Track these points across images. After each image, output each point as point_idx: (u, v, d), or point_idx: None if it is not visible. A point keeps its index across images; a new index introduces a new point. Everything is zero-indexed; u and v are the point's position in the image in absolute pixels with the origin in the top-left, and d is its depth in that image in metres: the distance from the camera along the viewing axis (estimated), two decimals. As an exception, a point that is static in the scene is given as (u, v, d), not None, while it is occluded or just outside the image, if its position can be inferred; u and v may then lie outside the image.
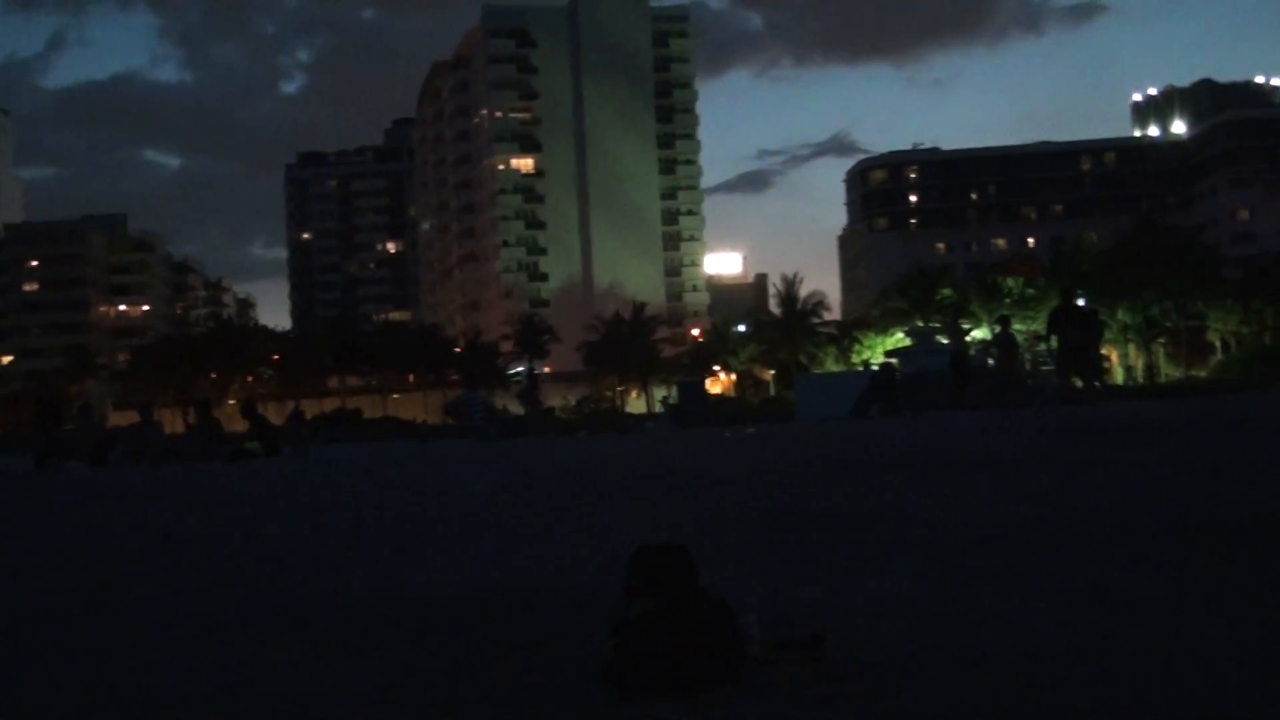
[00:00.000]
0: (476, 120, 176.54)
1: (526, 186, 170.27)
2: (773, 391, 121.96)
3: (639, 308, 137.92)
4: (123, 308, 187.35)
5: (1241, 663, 5.00)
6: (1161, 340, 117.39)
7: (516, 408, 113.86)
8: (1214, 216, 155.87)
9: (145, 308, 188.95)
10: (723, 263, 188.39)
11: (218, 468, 19.31)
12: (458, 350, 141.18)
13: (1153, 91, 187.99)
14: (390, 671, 5.66)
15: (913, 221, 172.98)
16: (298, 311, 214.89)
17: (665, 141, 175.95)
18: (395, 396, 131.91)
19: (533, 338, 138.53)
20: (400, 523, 10.17)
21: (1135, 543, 7.62)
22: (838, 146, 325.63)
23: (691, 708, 4.70)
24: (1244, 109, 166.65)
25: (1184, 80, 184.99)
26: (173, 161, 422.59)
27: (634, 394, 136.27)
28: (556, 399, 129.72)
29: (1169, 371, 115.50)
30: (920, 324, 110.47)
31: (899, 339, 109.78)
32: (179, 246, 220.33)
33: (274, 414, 62.31)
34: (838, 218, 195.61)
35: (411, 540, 9.26)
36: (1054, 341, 27.99)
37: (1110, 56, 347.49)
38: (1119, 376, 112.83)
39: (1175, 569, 6.93)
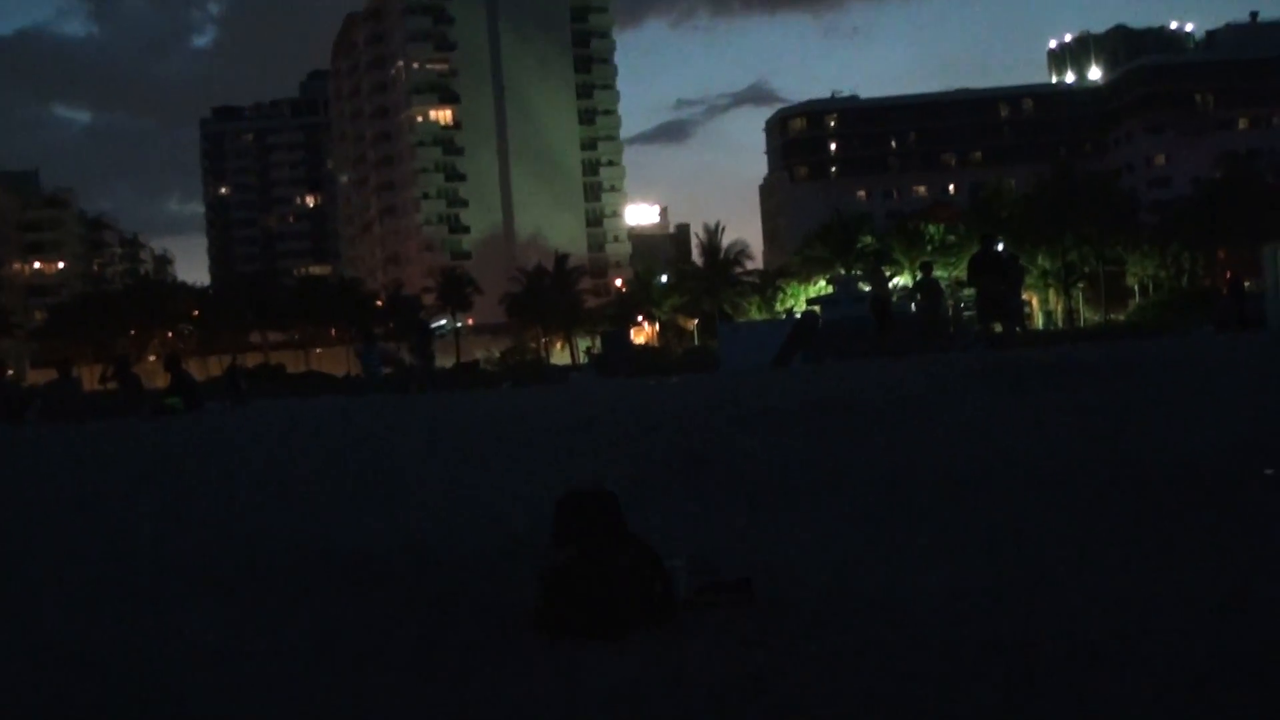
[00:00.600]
0: (393, 72, 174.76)
1: (445, 138, 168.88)
2: (696, 341, 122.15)
3: (561, 259, 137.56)
4: (37, 265, 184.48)
5: (1155, 598, 5.11)
6: (1081, 285, 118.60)
7: (439, 360, 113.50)
8: (1130, 162, 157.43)
9: (60, 265, 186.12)
10: (644, 213, 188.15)
11: (138, 424, 19.13)
12: (379, 304, 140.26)
13: (1068, 38, 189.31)
14: (321, 626, 5.66)
15: (833, 170, 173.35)
16: (216, 267, 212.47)
17: (584, 92, 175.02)
18: (318, 351, 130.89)
19: (455, 290, 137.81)
20: (325, 477, 10.14)
21: (1054, 485, 7.74)
22: (756, 96, 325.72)
23: (620, 651, 4.75)
24: (1158, 55, 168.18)
25: (1099, 27, 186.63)
26: (83, 117, 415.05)
27: (558, 345, 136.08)
28: (480, 351, 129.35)
29: (1089, 316, 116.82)
30: (842, 272, 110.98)
31: (821, 287, 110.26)
32: (93, 203, 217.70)
33: (195, 370, 61.60)
34: (758, 167, 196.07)
35: (337, 495, 9.24)
36: (974, 288, 28.24)
37: (1026, 4, 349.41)
38: (1039, 321, 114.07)
39: (1093, 510, 7.05)
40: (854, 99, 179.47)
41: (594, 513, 5.32)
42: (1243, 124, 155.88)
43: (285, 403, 28.63)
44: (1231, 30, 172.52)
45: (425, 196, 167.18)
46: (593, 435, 11.67)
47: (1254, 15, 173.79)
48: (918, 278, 34.85)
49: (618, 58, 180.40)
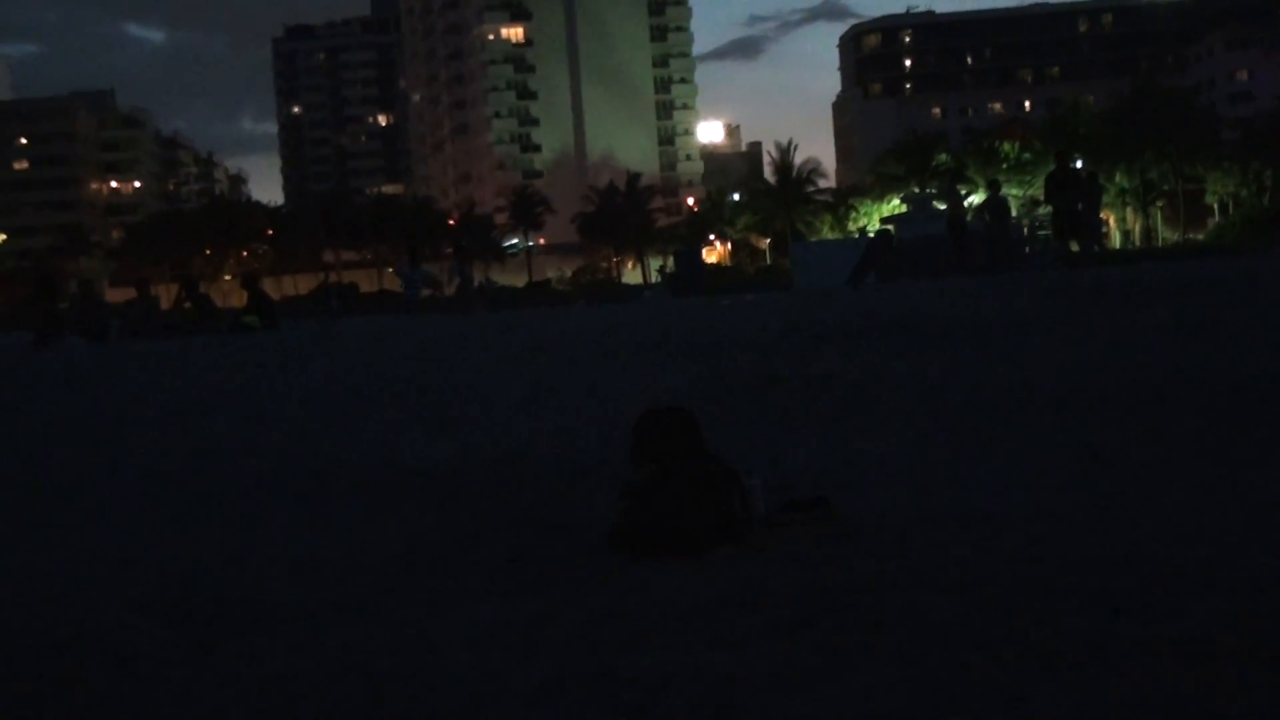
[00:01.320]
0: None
1: (517, 56, 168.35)
2: (769, 260, 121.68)
3: (633, 178, 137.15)
4: (114, 185, 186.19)
5: (1235, 520, 5.07)
6: (1159, 204, 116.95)
7: (511, 279, 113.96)
8: (1211, 77, 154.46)
9: (136, 184, 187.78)
10: (716, 131, 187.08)
11: (216, 341, 19.34)
12: (451, 223, 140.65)
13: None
14: (399, 539, 5.73)
15: (908, 87, 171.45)
16: (290, 186, 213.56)
17: (656, 8, 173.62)
18: (390, 270, 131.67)
19: (526, 210, 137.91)
20: (403, 395, 10.21)
21: (1133, 406, 7.67)
22: (830, 11, 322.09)
23: (698, 569, 4.77)
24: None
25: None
26: (156, 36, 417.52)
27: (630, 265, 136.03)
28: (552, 270, 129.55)
29: (1167, 235, 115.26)
30: (916, 190, 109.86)
31: (895, 206, 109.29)
32: (167, 122, 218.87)
33: (270, 289, 62.15)
34: (831, 84, 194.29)
35: (414, 411, 9.31)
36: (1050, 206, 27.95)
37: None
38: (1116, 240, 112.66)
39: (1173, 431, 6.98)
40: (929, 14, 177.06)
41: (671, 430, 5.33)
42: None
43: (361, 321, 28.85)
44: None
45: (497, 115, 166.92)
46: (666, 354, 11.68)
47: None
48: (987, 195, 34.45)
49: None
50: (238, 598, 4.88)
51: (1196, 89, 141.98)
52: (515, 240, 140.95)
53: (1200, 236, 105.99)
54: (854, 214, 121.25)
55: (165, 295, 43.30)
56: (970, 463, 6.58)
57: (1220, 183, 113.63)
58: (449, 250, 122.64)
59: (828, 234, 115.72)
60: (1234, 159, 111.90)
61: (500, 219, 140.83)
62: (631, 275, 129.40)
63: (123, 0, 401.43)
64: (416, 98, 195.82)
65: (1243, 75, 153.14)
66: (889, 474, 6.44)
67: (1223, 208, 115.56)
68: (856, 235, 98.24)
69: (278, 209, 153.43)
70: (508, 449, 7.60)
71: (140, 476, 7.43)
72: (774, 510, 5.39)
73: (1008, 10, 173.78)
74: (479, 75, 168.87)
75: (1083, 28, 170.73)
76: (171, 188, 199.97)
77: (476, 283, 47.31)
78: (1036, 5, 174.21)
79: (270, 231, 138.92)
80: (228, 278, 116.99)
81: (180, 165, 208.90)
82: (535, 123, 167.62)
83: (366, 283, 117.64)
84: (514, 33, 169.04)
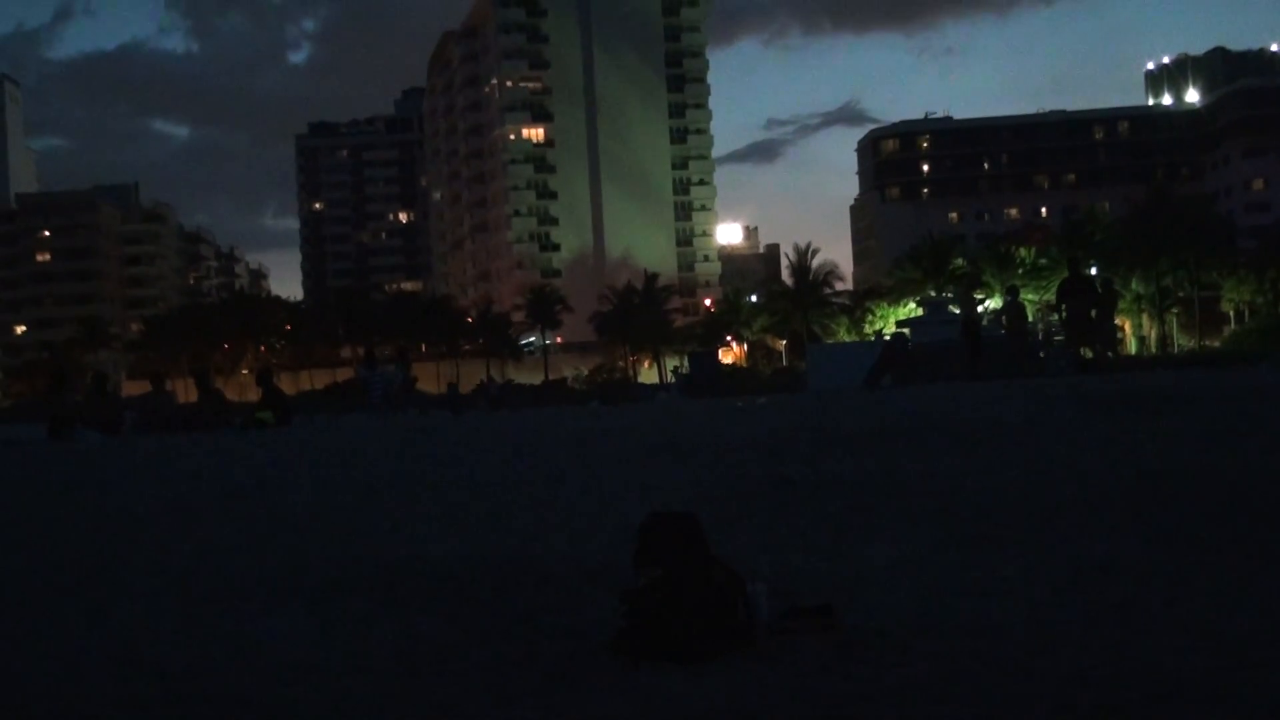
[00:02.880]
0: (487, 90, 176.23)
1: (538, 156, 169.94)
2: (784, 362, 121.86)
3: (651, 278, 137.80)
4: (135, 278, 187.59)
5: (1243, 632, 5.02)
6: (1175, 310, 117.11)
7: (527, 378, 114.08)
8: (1228, 186, 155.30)
9: (158, 278, 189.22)
10: (734, 233, 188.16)
11: (229, 437, 19.37)
12: (469, 321, 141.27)
13: (1166, 60, 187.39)
14: (403, 639, 5.70)
15: (925, 191, 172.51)
16: (310, 281, 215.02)
17: (676, 111, 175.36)
18: (392, 368, 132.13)
19: (544, 308, 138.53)
20: (411, 493, 10.21)
21: (1144, 515, 7.64)
22: (848, 116, 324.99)
23: (701, 676, 4.74)
24: (1258, 77, 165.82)
25: (1197, 48, 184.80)
26: (181, 132, 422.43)
27: (646, 364, 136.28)
28: (569, 369, 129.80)
29: (1182, 342, 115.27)
30: (933, 294, 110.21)
31: (911, 309, 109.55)
32: (190, 217, 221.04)
33: (287, 384, 62.41)
34: (849, 188, 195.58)
35: (422, 509, 9.31)
36: (1064, 312, 28.00)
37: (1123, 24, 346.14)
38: (1132, 346, 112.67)
39: (1183, 540, 6.94)
40: (947, 119, 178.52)
41: (677, 535, 5.32)
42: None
43: (394, 415, 28.93)
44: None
45: (516, 214, 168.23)
46: (677, 456, 11.66)
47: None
48: (1005, 300, 34.54)
49: (709, 76, 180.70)
50: (238, 697, 4.85)
51: (1213, 197, 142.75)
52: (533, 338, 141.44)
53: (1216, 344, 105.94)
54: (870, 317, 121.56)
55: (182, 389, 43.50)
56: (978, 569, 6.54)
57: (1236, 290, 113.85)
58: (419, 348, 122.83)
59: (844, 336, 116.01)
60: (1250, 267, 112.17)
61: (518, 317, 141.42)
62: (648, 375, 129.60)
63: (149, 97, 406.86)
64: (437, 195, 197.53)
65: (1259, 184, 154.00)
66: (896, 580, 6.40)
67: (1239, 315, 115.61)
68: (873, 338, 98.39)
69: (297, 304, 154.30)
70: (515, 549, 7.58)
71: (146, 573, 7.42)
72: (778, 617, 5.36)
73: (1025, 117, 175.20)
74: (500, 174, 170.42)
75: (1099, 135, 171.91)
76: (192, 281, 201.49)
77: (485, 380, 47.52)
78: (1053, 112, 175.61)
79: (289, 326, 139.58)
80: (245, 372, 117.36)
81: (201, 259, 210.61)
82: (555, 222, 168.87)
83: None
84: (535, 133, 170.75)
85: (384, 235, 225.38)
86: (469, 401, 52.89)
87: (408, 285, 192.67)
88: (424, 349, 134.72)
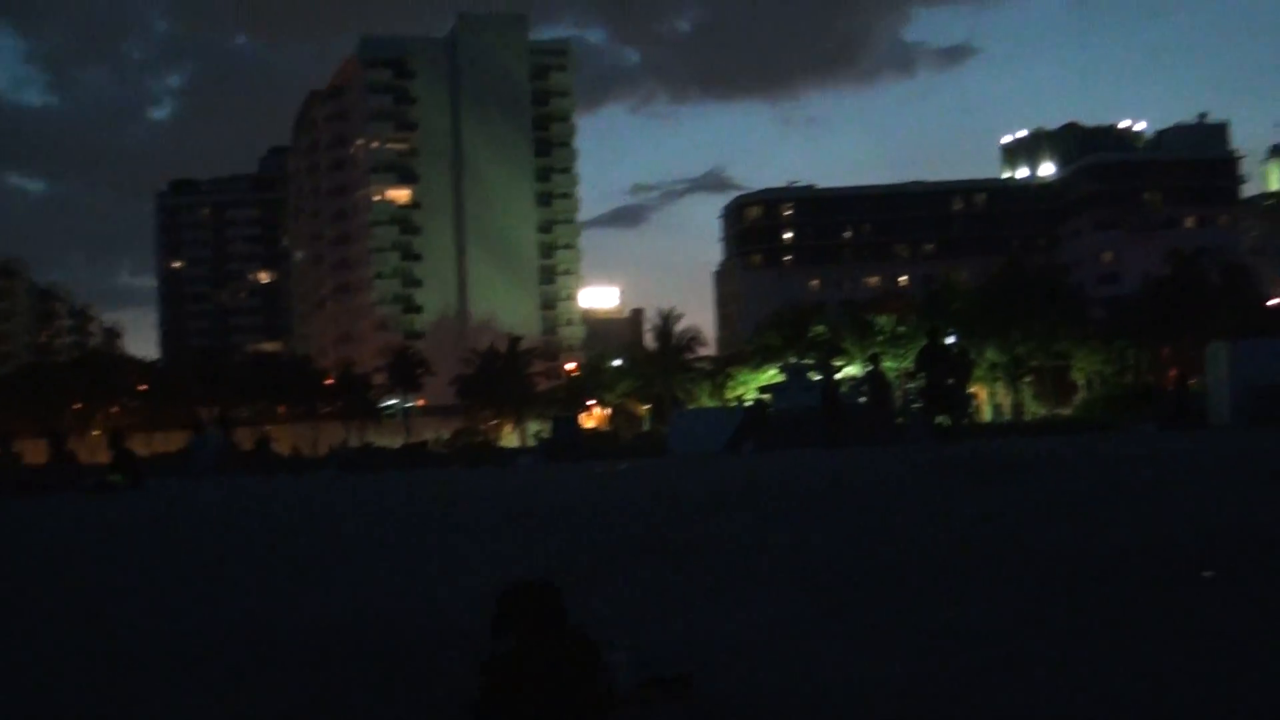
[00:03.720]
0: (352, 150, 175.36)
1: (402, 218, 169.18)
2: (647, 426, 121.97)
3: (514, 341, 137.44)
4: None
5: (1097, 695, 5.11)
6: (1028, 379, 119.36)
7: (388, 441, 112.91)
8: (1080, 257, 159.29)
9: (8, 336, 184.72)
10: (598, 297, 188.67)
11: (78, 500, 18.91)
12: (330, 382, 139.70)
13: (1021, 134, 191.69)
14: (256, 707, 5.59)
15: (787, 258, 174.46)
16: (167, 341, 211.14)
17: (543, 175, 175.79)
18: (267, 429, 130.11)
19: (406, 371, 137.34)
20: (269, 557, 10.04)
21: (999, 580, 7.75)
22: (713, 183, 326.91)
23: (557, 746, 4.70)
24: (1109, 152, 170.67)
25: (1052, 123, 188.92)
26: (37, 186, 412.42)
27: (508, 428, 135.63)
28: (430, 432, 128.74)
29: (1035, 409, 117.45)
30: (794, 360, 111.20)
31: (773, 375, 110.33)
32: (44, 273, 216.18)
33: (141, 445, 61.07)
34: (713, 254, 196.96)
35: (280, 576, 9.15)
36: (923, 380, 28.44)
37: (980, 99, 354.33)
38: (987, 414, 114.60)
39: (1037, 605, 7.05)
40: (809, 188, 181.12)
41: (535, 605, 5.28)
42: (1190, 223, 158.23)
43: (233, 479, 28.40)
44: (1180, 130, 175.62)
45: (380, 275, 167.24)
46: (540, 522, 11.62)
47: (1202, 116, 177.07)
48: (867, 369, 35.04)
49: (577, 141, 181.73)
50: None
51: (1066, 268, 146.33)
52: (394, 401, 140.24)
53: (1067, 411, 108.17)
54: (732, 382, 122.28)
55: (31, 451, 42.35)
56: (839, 636, 6.59)
57: (1086, 359, 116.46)
58: (283, 409, 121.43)
59: (706, 401, 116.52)
60: (1100, 337, 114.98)
61: (379, 379, 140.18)
62: (510, 439, 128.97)
63: (4, 150, 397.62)
64: (299, 256, 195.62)
65: (1109, 256, 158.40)
66: (757, 646, 6.42)
67: (1089, 384, 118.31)
68: (734, 404, 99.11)
69: (152, 364, 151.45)
70: (373, 615, 7.48)
71: (-12, 641, 7.20)
72: (636, 687, 5.34)
73: (885, 187, 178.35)
74: (364, 235, 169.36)
75: (957, 206, 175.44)
76: (44, 339, 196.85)
77: (342, 444, 46.95)
78: (913, 183, 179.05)
79: (143, 387, 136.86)
80: (96, 433, 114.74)
81: (54, 317, 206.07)
82: (418, 284, 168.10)
83: (242, 440, 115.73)
84: (401, 195, 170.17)
85: (244, 295, 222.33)
86: (311, 465, 52.20)
87: (268, 346, 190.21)
88: (283, 411, 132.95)
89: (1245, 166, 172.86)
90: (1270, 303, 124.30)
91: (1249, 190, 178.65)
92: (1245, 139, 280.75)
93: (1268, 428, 29.40)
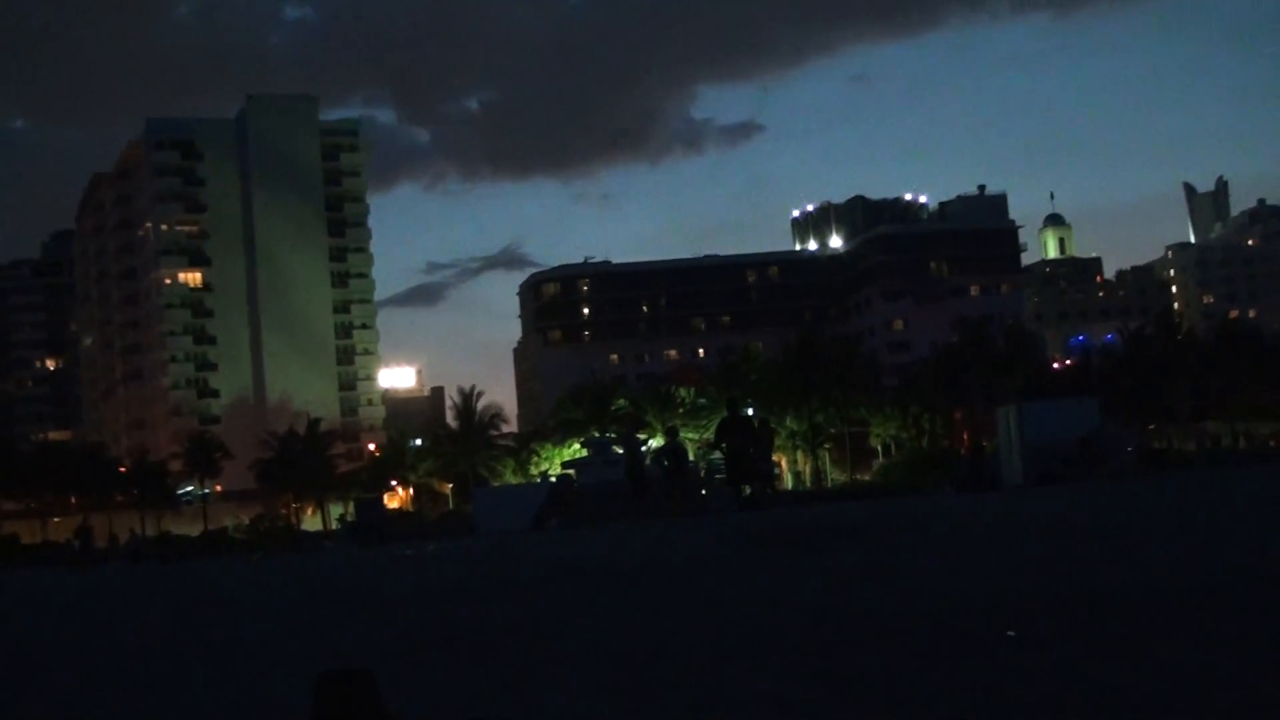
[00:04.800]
0: (141, 233, 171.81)
1: (195, 301, 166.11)
2: (451, 505, 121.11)
3: (313, 423, 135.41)
4: None
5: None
6: (827, 446, 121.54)
7: (185, 529, 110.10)
8: (871, 326, 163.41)
9: None
10: (398, 376, 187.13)
11: None
12: (123, 470, 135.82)
13: (810, 207, 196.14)
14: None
15: (586, 334, 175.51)
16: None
17: (337, 255, 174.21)
18: (57, 520, 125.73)
19: (203, 456, 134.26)
20: (61, 656, 9.71)
21: (809, 651, 7.85)
22: (509, 260, 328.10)
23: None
24: (894, 224, 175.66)
25: (839, 197, 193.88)
26: None
27: (310, 512, 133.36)
28: (229, 518, 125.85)
29: (835, 476, 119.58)
30: (596, 434, 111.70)
31: (576, 450, 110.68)
32: None
33: (-79, 543, 58.60)
34: (512, 330, 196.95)
35: (74, 674, 8.86)
36: (724, 450, 28.75)
37: (769, 173, 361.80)
38: (789, 481, 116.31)
39: (850, 676, 7.16)
40: (605, 264, 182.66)
41: (349, 694, 5.22)
42: (974, 291, 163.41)
43: (17, 576, 27.41)
44: (961, 202, 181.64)
45: (173, 360, 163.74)
46: (349, 608, 11.45)
47: (981, 188, 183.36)
48: (666, 441, 35.28)
49: (370, 220, 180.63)
50: None
51: (858, 337, 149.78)
52: (191, 487, 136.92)
53: (866, 477, 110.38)
54: (536, 458, 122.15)
55: None
56: (648, 714, 6.60)
57: (882, 426, 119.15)
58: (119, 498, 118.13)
59: (510, 478, 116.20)
60: (894, 404, 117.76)
61: (175, 465, 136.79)
62: (312, 523, 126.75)
63: None
64: (89, 341, 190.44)
65: (899, 325, 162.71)
66: (572, 728, 6.41)
67: (886, 449, 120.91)
68: (539, 480, 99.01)
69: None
70: (178, 713, 7.28)
71: None
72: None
73: (680, 261, 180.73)
74: (155, 319, 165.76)
75: (751, 278, 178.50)
76: None
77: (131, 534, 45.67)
78: (707, 257, 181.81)
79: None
80: None
81: None
82: (213, 367, 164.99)
83: (28, 534, 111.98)
84: (192, 277, 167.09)
85: (30, 383, 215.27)
86: (101, 555, 50.72)
87: (56, 435, 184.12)
88: (73, 502, 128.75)
89: (1024, 236, 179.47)
90: (1053, 365, 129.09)
91: (1028, 258, 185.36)
92: (1022, 209, 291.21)
93: (1057, 487, 30.39)
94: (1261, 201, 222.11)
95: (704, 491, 43.62)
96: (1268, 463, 54.27)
